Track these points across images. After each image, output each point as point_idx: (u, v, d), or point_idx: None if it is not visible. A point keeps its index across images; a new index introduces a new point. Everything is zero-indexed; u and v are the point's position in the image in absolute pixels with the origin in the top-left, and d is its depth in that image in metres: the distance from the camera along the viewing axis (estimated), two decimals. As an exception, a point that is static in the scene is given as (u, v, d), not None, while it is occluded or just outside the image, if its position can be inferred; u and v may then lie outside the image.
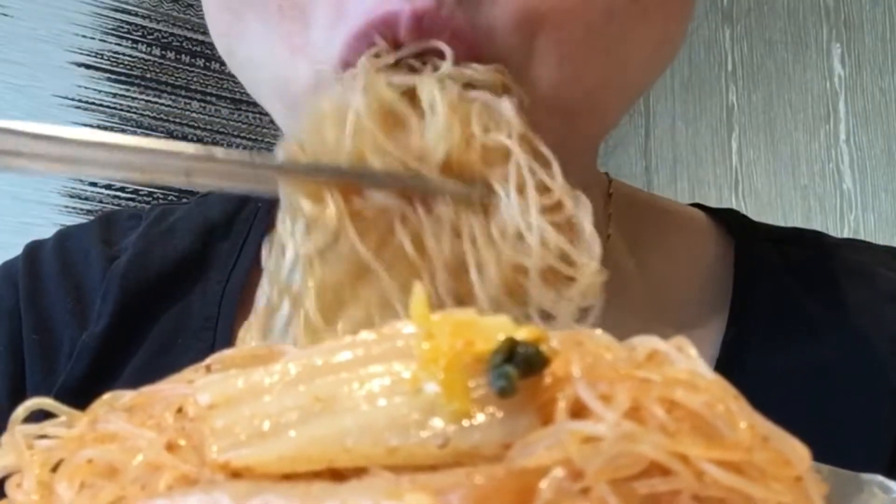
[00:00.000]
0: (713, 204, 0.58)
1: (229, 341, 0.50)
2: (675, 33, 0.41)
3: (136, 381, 0.49)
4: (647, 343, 0.23)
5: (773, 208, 2.11)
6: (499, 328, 0.22)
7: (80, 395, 0.49)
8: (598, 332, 0.23)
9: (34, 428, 0.26)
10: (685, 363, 0.21)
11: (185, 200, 0.60)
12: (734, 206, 0.59)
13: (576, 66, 0.37)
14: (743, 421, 0.20)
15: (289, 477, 0.22)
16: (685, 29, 0.42)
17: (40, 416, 0.27)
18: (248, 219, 0.56)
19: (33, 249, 0.56)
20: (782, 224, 0.58)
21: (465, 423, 0.21)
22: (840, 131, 2.02)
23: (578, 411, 0.21)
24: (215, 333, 0.51)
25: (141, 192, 2.07)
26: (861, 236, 1.82)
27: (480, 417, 0.21)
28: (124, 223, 0.58)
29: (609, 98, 0.40)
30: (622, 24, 0.37)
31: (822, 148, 2.05)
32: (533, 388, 0.21)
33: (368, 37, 0.35)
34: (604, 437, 0.20)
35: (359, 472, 0.22)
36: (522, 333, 0.22)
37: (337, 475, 0.22)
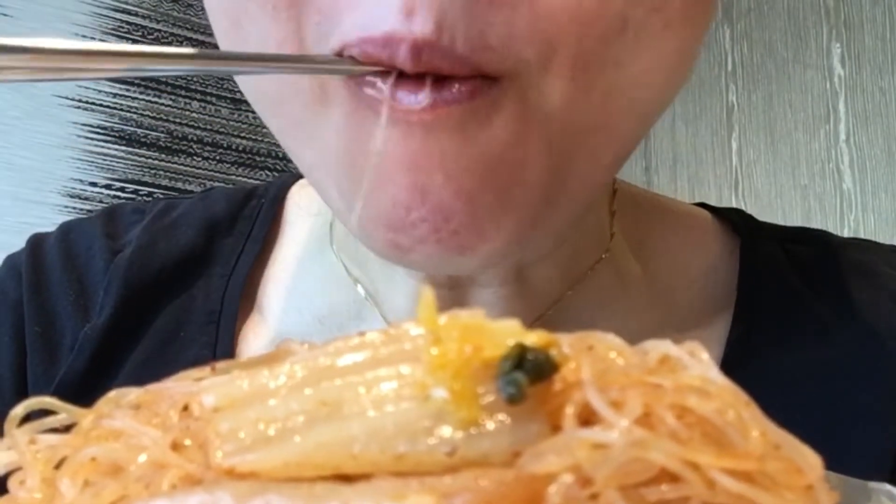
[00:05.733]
0: (713, 204, 0.58)
1: (232, 337, 0.51)
2: (696, 44, 0.39)
3: (137, 375, 0.50)
4: (659, 347, 0.22)
5: (773, 208, 2.11)
6: (508, 333, 0.22)
7: (80, 388, 0.50)
8: (610, 335, 0.23)
9: (38, 424, 0.26)
10: (697, 368, 0.21)
11: (188, 196, 0.60)
12: (734, 206, 0.59)
13: (587, 78, 0.35)
14: (755, 429, 0.20)
15: (293, 477, 0.22)
16: (703, 38, 0.40)
17: (41, 412, 0.27)
18: (252, 215, 0.56)
19: (37, 242, 0.56)
20: (781, 224, 0.58)
21: (474, 430, 0.21)
22: (840, 131, 2.02)
23: (589, 417, 0.21)
24: (218, 329, 0.51)
25: (141, 193, 2.07)
26: (861, 236, 1.82)
27: (489, 425, 0.21)
28: (128, 217, 0.58)
29: (621, 114, 0.37)
30: (637, 36, 0.35)
31: (822, 148, 2.05)
32: (543, 394, 0.21)
33: (365, 53, 0.34)
34: (614, 444, 0.20)
35: (366, 477, 0.21)
36: (532, 338, 0.21)
37: (343, 478, 0.22)
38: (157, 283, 0.53)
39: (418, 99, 0.33)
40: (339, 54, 0.34)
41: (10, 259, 0.57)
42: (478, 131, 0.35)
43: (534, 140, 0.36)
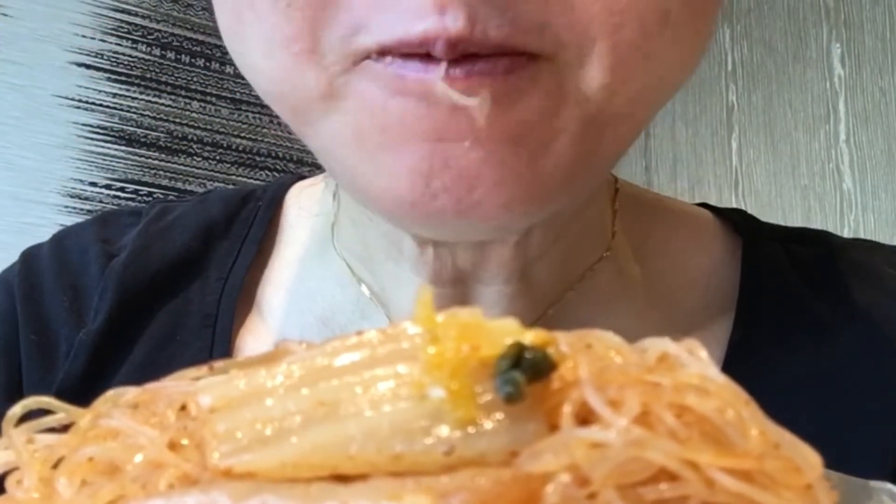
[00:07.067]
0: (713, 204, 0.57)
1: (228, 340, 0.50)
2: (710, 36, 0.39)
3: (133, 379, 0.49)
4: (657, 346, 0.22)
5: (773, 208, 2.11)
6: (505, 331, 0.22)
7: (77, 393, 0.49)
8: (609, 334, 0.23)
9: (35, 424, 0.26)
10: (696, 367, 0.21)
11: (185, 199, 0.60)
12: (734, 206, 0.59)
13: (624, 72, 0.35)
14: (754, 428, 0.20)
15: (289, 477, 0.22)
16: (714, 29, 0.40)
17: (40, 413, 0.27)
18: (248, 218, 0.55)
19: (29, 253, 0.56)
20: (782, 224, 0.58)
21: (471, 429, 0.21)
22: (840, 131, 2.02)
23: (587, 416, 0.20)
24: (214, 332, 0.51)
25: (141, 193, 2.07)
26: (861, 236, 1.82)
27: (487, 424, 0.21)
28: (124, 220, 0.57)
29: (646, 106, 0.38)
30: (675, 29, 0.35)
31: (822, 148, 2.04)
32: (540, 393, 0.21)
33: (403, 52, 0.34)
34: (612, 443, 0.19)
35: (363, 477, 0.21)
36: (530, 337, 0.21)
37: (340, 478, 0.22)
38: (153, 286, 0.53)
39: (451, 72, 0.33)
40: (380, 53, 0.34)
41: (1, 274, 0.56)
42: (511, 104, 0.34)
43: (567, 114, 0.36)
